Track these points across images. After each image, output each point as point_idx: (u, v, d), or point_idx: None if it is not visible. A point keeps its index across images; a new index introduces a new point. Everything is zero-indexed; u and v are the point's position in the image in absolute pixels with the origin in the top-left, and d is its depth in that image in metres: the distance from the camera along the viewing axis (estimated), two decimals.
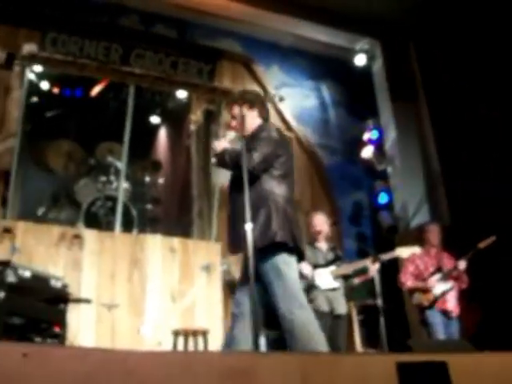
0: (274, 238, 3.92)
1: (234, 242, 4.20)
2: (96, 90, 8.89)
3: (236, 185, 4.31)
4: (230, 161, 4.18)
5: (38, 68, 8.16)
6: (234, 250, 4.25)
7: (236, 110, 4.48)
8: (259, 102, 4.61)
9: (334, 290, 6.07)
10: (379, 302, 5.93)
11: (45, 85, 8.57)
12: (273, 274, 3.96)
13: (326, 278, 6.06)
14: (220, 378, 2.44)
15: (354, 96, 10.80)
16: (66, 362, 2.21)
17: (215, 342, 6.81)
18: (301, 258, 4.25)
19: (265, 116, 4.57)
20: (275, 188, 4.12)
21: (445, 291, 6.47)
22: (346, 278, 6.25)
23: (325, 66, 10.90)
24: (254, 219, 3.93)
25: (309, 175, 10.27)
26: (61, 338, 5.48)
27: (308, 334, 3.86)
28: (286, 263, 3.99)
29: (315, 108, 10.96)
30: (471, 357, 3.15)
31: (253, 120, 4.46)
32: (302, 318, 3.89)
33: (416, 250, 6.15)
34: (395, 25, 9.92)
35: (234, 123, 4.51)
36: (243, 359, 2.68)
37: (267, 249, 3.96)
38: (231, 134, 4.47)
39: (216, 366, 2.51)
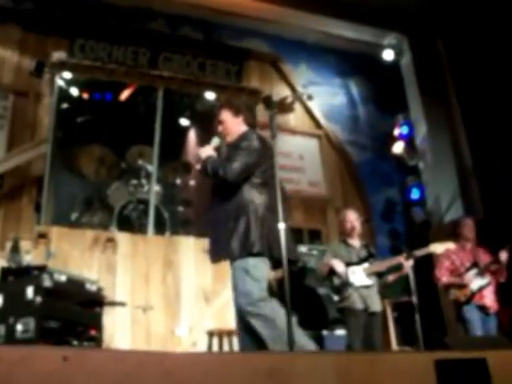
0: (252, 249, 3.97)
1: (215, 251, 4.24)
2: (125, 95, 8.95)
3: (217, 193, 4.35)
4: (210, 170, 4.19)
5: (68, 74, 8.23)
6: (215, 259, 4.27)
7: (222, 115, 4.52)
8: (245, 108, 4.63)
9: (367, 287, 6.02)
10: (414, 298, 5.87)
11: (75, 91, 8.64)
12: (240, 271, 4.04)
13: (359, 276, 6.02)
14: (256, 378, 2.45)
15: (382, 91, 10.74)
16: (105, 365, 2.23)
17: None
18: (276, 265, 4.30)
19: (251, 123, 4.57)
20: (255, 197, 4.14)
21: (482, 286, 6.38)
22: (379, 275, 6.20)
23: (352, 63, 10.87)
24: (233, 228, 4.04)
25: (339, 173, 10.26)
26: (97, 341, 5.53)
27: (274, 327, 3.88)
28: (256, 266, 4.02)
29: (344, 105, 10.93)
30: (510, 353, 3.11)
31: (238, 127, 4.48)
32: (271, 313, 3.93)
33: (450, 245, 6.06)
34: (421, 18, 9.85)
35: (220, 129, 4.55)
36: (279, 359, 2.68)
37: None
38: (216, 141, 4.49)
39: (252, 366, 2.51)
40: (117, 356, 2.37)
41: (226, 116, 4.51)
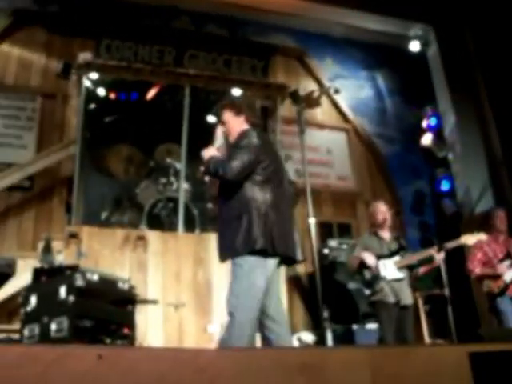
0: (254, 246, 3.94)
1: (221, 250, 4.23)
2: (151, 94, 8.97)
3: (221, 192, 4.36)
4: (212, 169, 4.20)
5: (94, 75, 8.26)
6: (221, 259, 4.25)
7: (224, 116, 4.55)
8: (247, 107, 4.63)
9: (399, 280, 5.99)
10: (446, 291, 5.83)
11: (101, 91, 8.67)
12: (238, 268, 4.04)
13: (390, 269, 5.99)
14: (290, 374, 2.45)
15: (409, 83, 10.67)
16: (140, 362, 2.25)
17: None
18: (288, 262, 4.38)
19: (253, 121, 4.57)
20: (257, 194, 4.12)
21: None
22: (410, 268, 6.16)
23: (378, 55, 10.82)
24: (236, 227, 4.03)
25: (368, 166, 10.25)
26: (130, 339, 5.57)
27: (241, 336, 3.86)
28: (255, 266, 4.00)
29: (371, 98, 10.90)
30: None
31: (240, 126, 4.48)
32: (242, 320, 3.91)
33: (482, 236, 5.99)
34: (447, 8, 9.75)
35: (223, 129, 4.56)
36: (313, 354, 2.68)
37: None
38: (219, 141, 4.51)
39: (285, 362, 2.51)
40: (151, 354, 2.39)
41: (228, 116, 4.53)
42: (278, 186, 4.29)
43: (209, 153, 4.35)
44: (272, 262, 4.08)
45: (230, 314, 3.94)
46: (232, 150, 4.28)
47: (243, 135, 4.34)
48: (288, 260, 4.34)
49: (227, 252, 4.15)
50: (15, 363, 2.14)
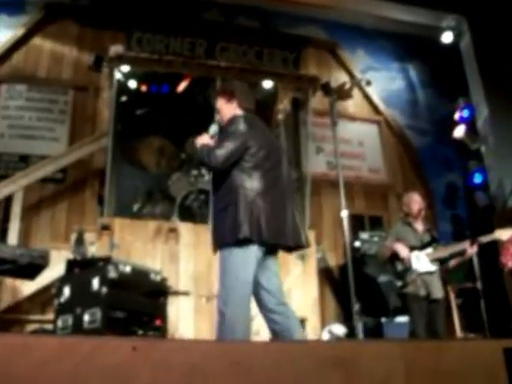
0: (238, 235, 3.82)
1: (212, 241, 4.12)
2: (182, 86, 8.99)
3: (213, 181, 4.29)
4: (200, 158, 4.13)
5: (126, 68, 8.29)
6: (214, 250, 4.13)
7: (218, 103, 4.45)
8: (240, 93, 4.48)
9: (430, 273, 5.95)
10: (479, 284, 5.78)
11: (133, 83, 8.70)
12: (224, 260, 3.94)
13: (423, 262, 5.95)
14: (324, 366, 2.44)
15: (442, 75, 10.56)
16: (174, 354, 2.26)
17: (313, 330, 6.82)
18: (272, 250, 4.15)
19: (247, 107, 4.41)
20: (245, 181, 4.00)
21: None
22: (442, 261, 6.11)
23: (410, 47, 10.72)
24: (224, 216, 3.95)
25: (399, 158, 10.19)
26: (162, 331, 5.61)
27: (232, 333, 3.75)
28: (240, 257, 3.90)
29: (403, 90, 10.82)
30: None
31: (231, 112, 4.36)
32: (232, 316, 3.79)
33: None
34: None
35: (217, 117, 4.51)
36: (345, 347, 2.67)
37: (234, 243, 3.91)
38: (214, 129, 4.42)
39: (318, 355, 2.51)
40: (184, 346, 2.40)
41: (221, 103, 4.42)
42: (270, 171, 4.16)
43: (202, 140, 4.25)
44: (259, 251, 3.95)
45: (220, 312, 3.82)
46: (220, 137, 4.22)
47: (231, 122, 4.24)
48: (286, 247, 4.22)
49: (216, 243, 4.05)
50: (50, 355, 2.16)
